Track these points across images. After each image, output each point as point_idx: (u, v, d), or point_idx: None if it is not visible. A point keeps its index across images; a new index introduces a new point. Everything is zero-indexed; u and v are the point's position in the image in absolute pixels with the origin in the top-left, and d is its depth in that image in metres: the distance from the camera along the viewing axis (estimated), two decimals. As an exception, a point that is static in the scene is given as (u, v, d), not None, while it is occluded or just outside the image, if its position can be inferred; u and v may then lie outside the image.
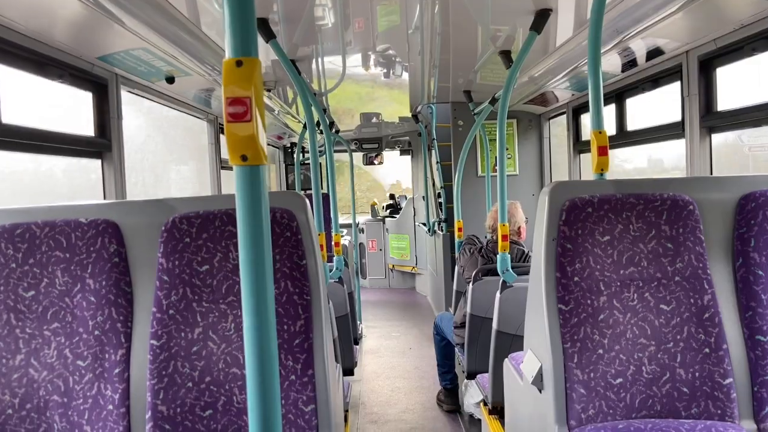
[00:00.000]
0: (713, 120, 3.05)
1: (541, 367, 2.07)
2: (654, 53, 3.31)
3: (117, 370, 1.96)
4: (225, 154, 5.10)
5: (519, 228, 4.01)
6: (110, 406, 1.94)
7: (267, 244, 1.01)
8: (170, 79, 3.50)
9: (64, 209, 2.07)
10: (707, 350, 1.96)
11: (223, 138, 5.10)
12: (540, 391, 2.10)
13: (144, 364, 1.98)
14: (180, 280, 1.99)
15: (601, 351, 1.98)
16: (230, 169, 5.45)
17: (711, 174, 3.10)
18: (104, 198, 3.12)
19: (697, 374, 1.96)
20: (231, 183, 5.36)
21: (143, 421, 1.94)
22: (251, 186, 0.99)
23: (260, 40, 3.11)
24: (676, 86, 3.34)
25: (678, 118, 3.31)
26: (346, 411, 3.74)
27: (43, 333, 1.97)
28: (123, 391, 1.95)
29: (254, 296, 1.01)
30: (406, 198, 10.57)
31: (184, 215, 2.02)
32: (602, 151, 2.27)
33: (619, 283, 2.01)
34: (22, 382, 1.95)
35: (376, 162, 10.33)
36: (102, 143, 3.07)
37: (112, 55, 2.89)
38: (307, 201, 2.08)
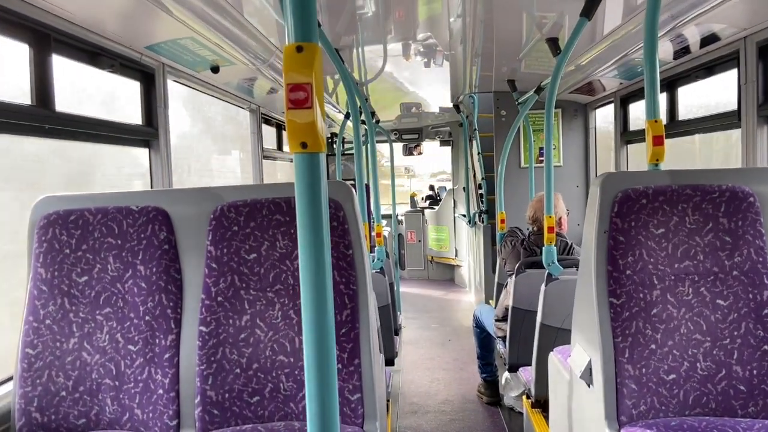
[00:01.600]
0: (773, 108, 2.93)
1: (590, 361, 2.02)
2: (709, 39, 3.19)
3: (167, 355, 1.99)
4: (267, 143, 5.13)
5: (560, 219, 3.94)
6: (160, 390, 1.97)
7: (326, 231, 1.00)
8: (215, 69, 3.53)
9: (116, 196, 2.10)
10: (766, 347, 1.89)
11: (265, 127, 5.14)
12: (588, 386, 2.05)
13: (193, 349, 2.00)
14: (228, 267, 2.01)
15: (653, 346, 1.92)
16: (273, 159, 5.47)
17: None
18: (151, 186, 3.17)
19: (755, 372, 1.89)
20: (270, 174, 5.37)
21: (192, 405, 1.97)
22: (311, 173, 0.98)
23: None
24: (729, 74, 3.22)
25: (734, 106, 3.19)
26: (388, 401, 3.75)
27: (96, 317, 2.01)
28: (173, 376, 1.98)
29: (313, 284, 1.00)
30: (446, 189, 10.50)
31: (232, 203, 2.03)
32: (657, 141, 2.20)
33: (673, 277, 1.95)
34: (76, 365, 1.99)
35: (415, 153, 10.27)
36: (149, 132, 3.12)
37: (160, 45, 2.93)
38: (354, 191, 2.08)
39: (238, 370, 1.97)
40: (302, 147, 0.97)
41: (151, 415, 1.97)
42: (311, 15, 0.96)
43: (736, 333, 1.91)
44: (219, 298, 1.99)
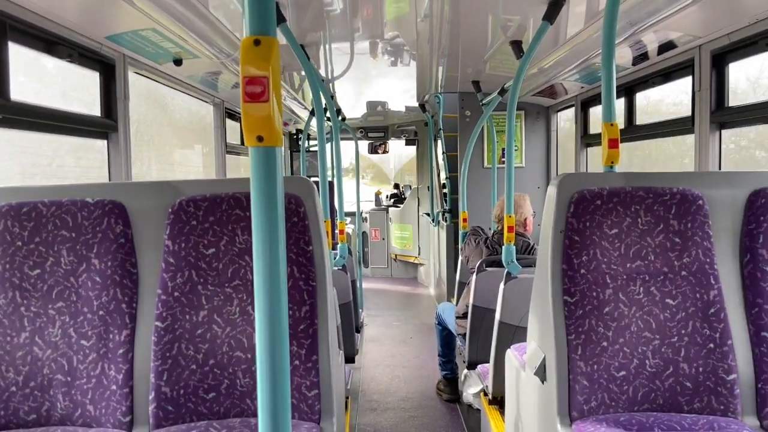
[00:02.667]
0: (724, 115, 3.03)
1: (544, 358, 2.07)
2: (666, 47, 3.28)
3: (121, 351, 1.97)
4: (231, 138, 5.07)
5: (525, 220, 4.01)
6: (114, 386, 1.95)
7: (281, 226, 1.00)
8: (178, 61, 3.48)
9: (71, 189, 2.06)
10: (712, 345, 1.96)
11: (229, 122, 5.09)
12: (542, 382, 2.10)
13: (148, 345, 1.98)
14: (186, 262, 1.99)
15: (605, 343, 1.97)
16: (236, 153, 5.42)
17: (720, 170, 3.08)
18: (110, 179, 3.12)
19: (701, 369, 1.95)
20: (234, 169, 5.32)
21: (146, 401, 1.95)
22: (266, 167, 0.98)
23: None
24: (686, 81, 3.32)
25: (688, 113, 3.29)
26: (347, 398, 3.75)
27: (48, 312, 1.97)
28: (127, 372, 1.96)
29: (267, 278, 1.00)
30: (410, 188, 10.55)
31: (191, 198, 2.01)
32: (613, 144, 2.25)
33: (625, 277, 2.00)
34: (26, 360, 1.95)
35: (380, 151, 10.29)
36: (108, 124, 3.06)
37: (121, 35, 2.88)
38: (315, 187, 2.08)
39: (193, 366, 1.95)
40: (258, 140, 0.97)
41: (103, 411, 1.94)
42: (269, 8, 0.97)
43: (683, 331, 1.97)
44: (176, 294, 1.97)
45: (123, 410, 1.94)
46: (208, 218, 2.00)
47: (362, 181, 11.16)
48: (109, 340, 1.97)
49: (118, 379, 1.95)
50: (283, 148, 8.92)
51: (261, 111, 0.96)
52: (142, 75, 3.49)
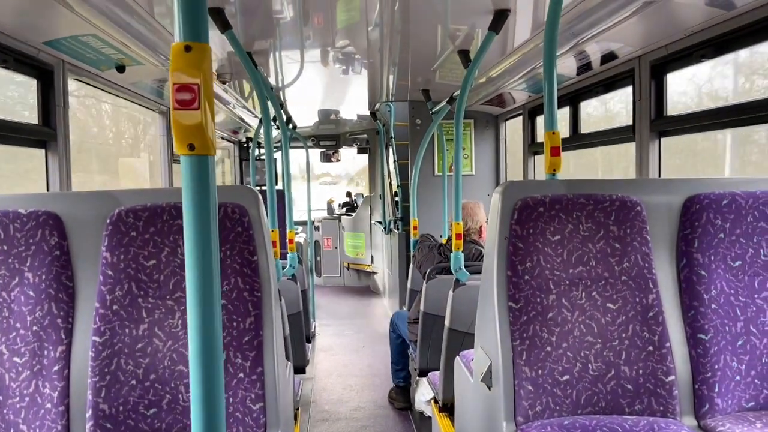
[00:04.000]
0: (663, 124, 3.12)
1: (490, 364, 2.08)
2: (608, 57, 3.37)
3: (56, 368, 1.89)
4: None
5: (480, 227, 4.04)
6: (48, 405, 1.87)
7: (214, 237, 0.98)
8: (121, 68, 3.39)
9: (2, 199, 1.98)
10: (651, 348, 2.01)
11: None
12: (489, 389, 2.11)
13: (85, 361, 1.91)
14: (125, 275, 1.93)
15: (549, 348, 2.00)
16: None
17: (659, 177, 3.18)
18: (48, 189, 3.01)
19: (641, 371, 2.00)
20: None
21: (83, 419, 1.88)
22: (198, 176, 0.96)
23: (216, 31, 3.04)
24: (628, 90, 3.42)
25: (629, 122, 3.38)
26: (297, 409, 3.71)
27: None
28: (62, 389, 1.88)
29: (200, 290, 0.98)
30: (362, 196, 10.55)
31: (131, 208, 1.96)
32: (555, 152, 2.30)
33: (567, 282, 2.04)
34: None
35: (333, 159, 10.26)
36: (47, 132, 2.96)
37: (60, 41, 2.79)
38: (260, 196, 2.05)
39: (133, 382, 1.89)
40: (189, 149, 0.95)
41: (38, 430, 1.86)
42: (201, 14, 0.95)
43: (624, 335, 2.01)
44: (114, 307, 1.91)
45: (58, 429, 1.86)
46: (149, 229, 1.94)
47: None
48: (43, 357, 1.89)
49: (53, 396, 1.87)
50: (231, 154, 8.80)
51: (191, 119, 0.94)
52: (83, 82, 3.39)
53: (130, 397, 1.88)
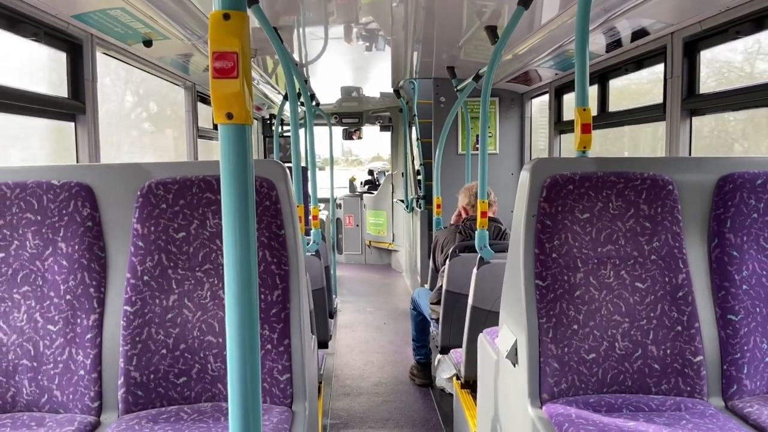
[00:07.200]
0: (695, 103, 3.06)
1: (516, 341, 2.08)
2: (639, 34, 3.30)
3: (89, 336, 1.93)
4: (202, 122, 4.99)
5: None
6: (81, 372, 1.91)
7: (251, 204, 0.98)
8: (148, 43, 3.41)
9: (36, 170, 2.01)
10: (679, 328, 1.99)
11: (201, 106, 5.01)
12: (514, 366, 2.11)
13: (117, 330, 1.95)
14: (155, 246, 1.95)
15: (575, 327, 1.99)
16: (208, 138, 5.34)
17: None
18: (77, 162, 3.05)
19: (668, 351, 1.99)
20: (206, 154, 5.25)
21: (115, 387, 1.92)
22: (237, 145, 0.96)
23: None
24: (659, 68, 3.35)
25: (660, 100, 3.32)
26: (320, 383, 3.75)
27: (13, 296, 1.93)
28: (95, 357, 1.93)
29: (238, 259, 0.98)
30: (384, 174, 10.52)
31: (161, 180, 1.98)
32: (585, 129, 2.26)
33: (596, 261, 2.02)
34: None
35: (355, 137, 10.23)
36: (76, 105, 2.99)
37: (89, 14, 2.80)
38: (287, 171, 2.06)
39: (164, 351, 1.93)
40: (228, 117, 0.95)
41: (71, 396, 1.91)
42: None
43: (652, 314, 2.00)
44: (145, 278, 1.94)
45: (91, 395, 1.91)
46: (178, 201, 1.96)
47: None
48: (76, 325, 1.93)
49: (86, 364, 1.92)
50: (255, 130, 8.82)
51: (231, 87, 0.94)
52: (111, 56, 3.41)
53: (160, 366, 1.92)
